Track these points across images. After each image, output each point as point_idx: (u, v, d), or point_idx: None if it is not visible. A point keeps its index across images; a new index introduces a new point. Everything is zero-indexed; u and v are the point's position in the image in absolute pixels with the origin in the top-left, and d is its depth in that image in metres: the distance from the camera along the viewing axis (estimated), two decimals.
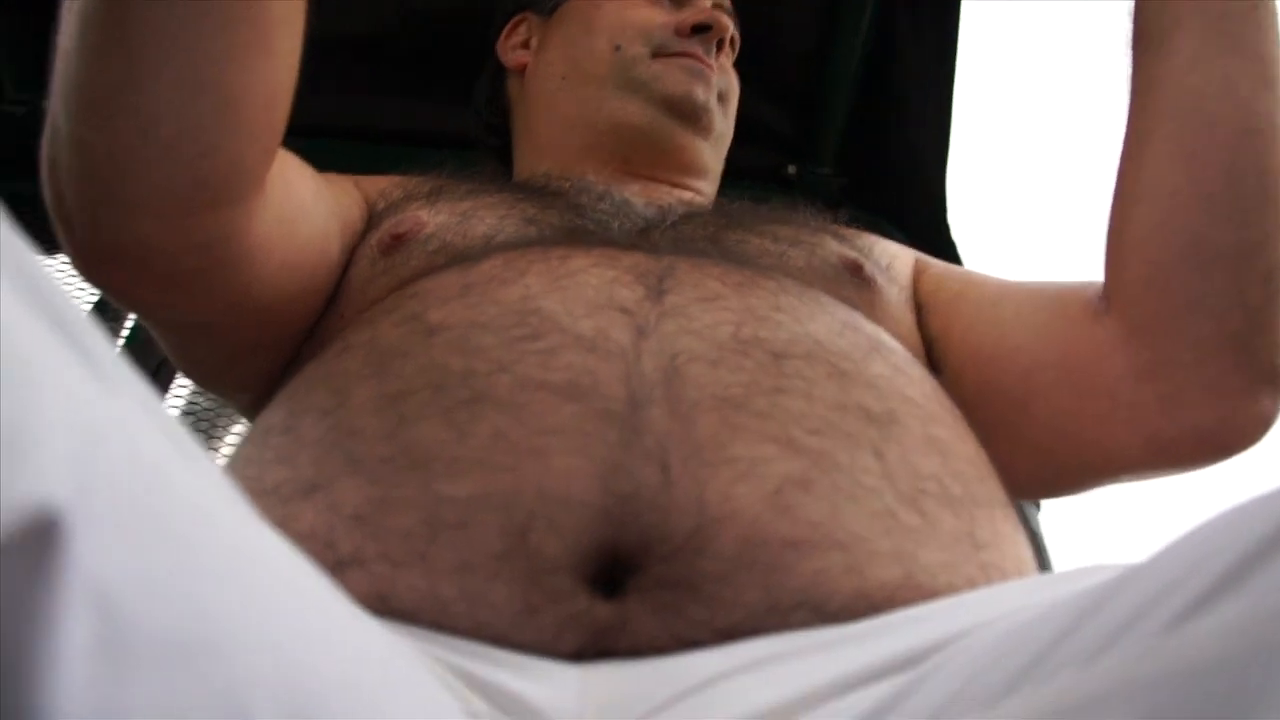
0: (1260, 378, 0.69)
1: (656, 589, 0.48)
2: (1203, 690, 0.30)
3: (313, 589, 0.36)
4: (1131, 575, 0.36)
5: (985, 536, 0.56)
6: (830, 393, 0.57)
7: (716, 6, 0.98)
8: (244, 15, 0.59)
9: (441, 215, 0.76)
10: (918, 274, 0.86)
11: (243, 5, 0.58)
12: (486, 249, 0.71)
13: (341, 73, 1.27)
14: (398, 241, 0.74)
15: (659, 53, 0.92)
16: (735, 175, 1.37)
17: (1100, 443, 0.73)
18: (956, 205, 1.35)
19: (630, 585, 0.48)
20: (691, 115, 0.91)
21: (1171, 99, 0.71)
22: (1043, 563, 1.09)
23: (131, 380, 0.33)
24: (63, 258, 0.78)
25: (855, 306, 0.72)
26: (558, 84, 0.95)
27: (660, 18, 0.94)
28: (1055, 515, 1.16)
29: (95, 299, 1.17)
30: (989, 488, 0.60)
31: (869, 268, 0.78)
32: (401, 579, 0.48)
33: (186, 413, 1.12)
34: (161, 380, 1.11)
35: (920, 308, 0.83)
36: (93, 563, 0.26)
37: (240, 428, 1.08)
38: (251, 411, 0.80)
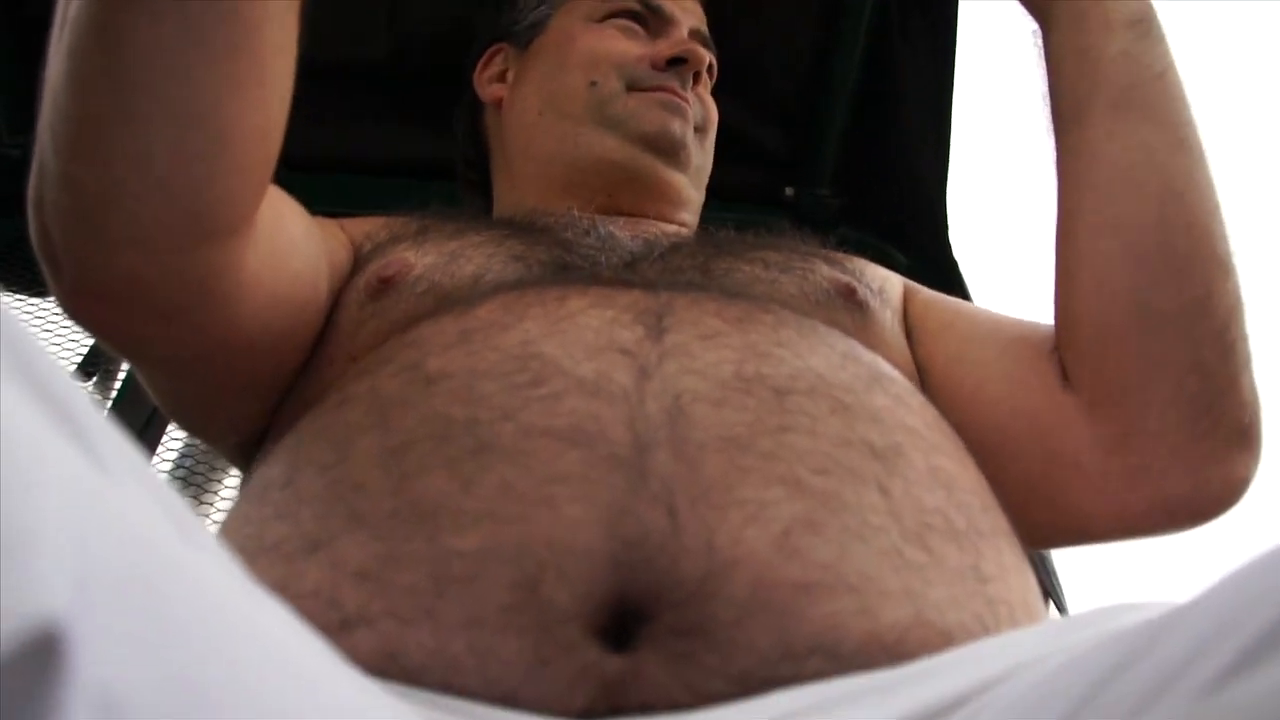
0: (1230, 440, 0.69)
1: (668, 637, 0.47)
2: None
3: (321, 669, 0.35)
4: (1166, 627, 0.35)
5: (990, 569, 0.56)
6: (834, 428, 0.57)
7: (693, 34, 0.98)
8: (238, 45, 0.57)
9: (429, 256, 0.75)
10: (907, 299, 0.86)
11: (236, 35, 0.57)
12: (476, 288, 0.70)
13: (333, 102, 1.26)
14: (385, 285, 0.73)
15: (634, 86, 0.92)
16: (732, 197, 1.38)
17: (1071, 510, 0.73)
18: (958, 225, 1.34)
19: (642, 635, 0.48)
20: (669, 151, 0.91)
21: (1094, 170, 0.73)
22: (1051, 586, 1.08)
23: (131, 459, 0.33)
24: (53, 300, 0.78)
25: (850, 332, 0.72)
26: (535, 119, 0.95)
27: (636, 50, 0.94)
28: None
29: (85, 350, 1.17)
30: (992, 518, 0.60)
31: (862, 291, 0.78)
32: (410, 636, 0.47)
33: (179, 465, 1.11)
34: (152, 433, 1.09)
35: (908, 333, 0.82)
36: (95, 672, 0.25)
37: (232, 480, 1.07)
38: (239, 457, 0.80)
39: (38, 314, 1.21)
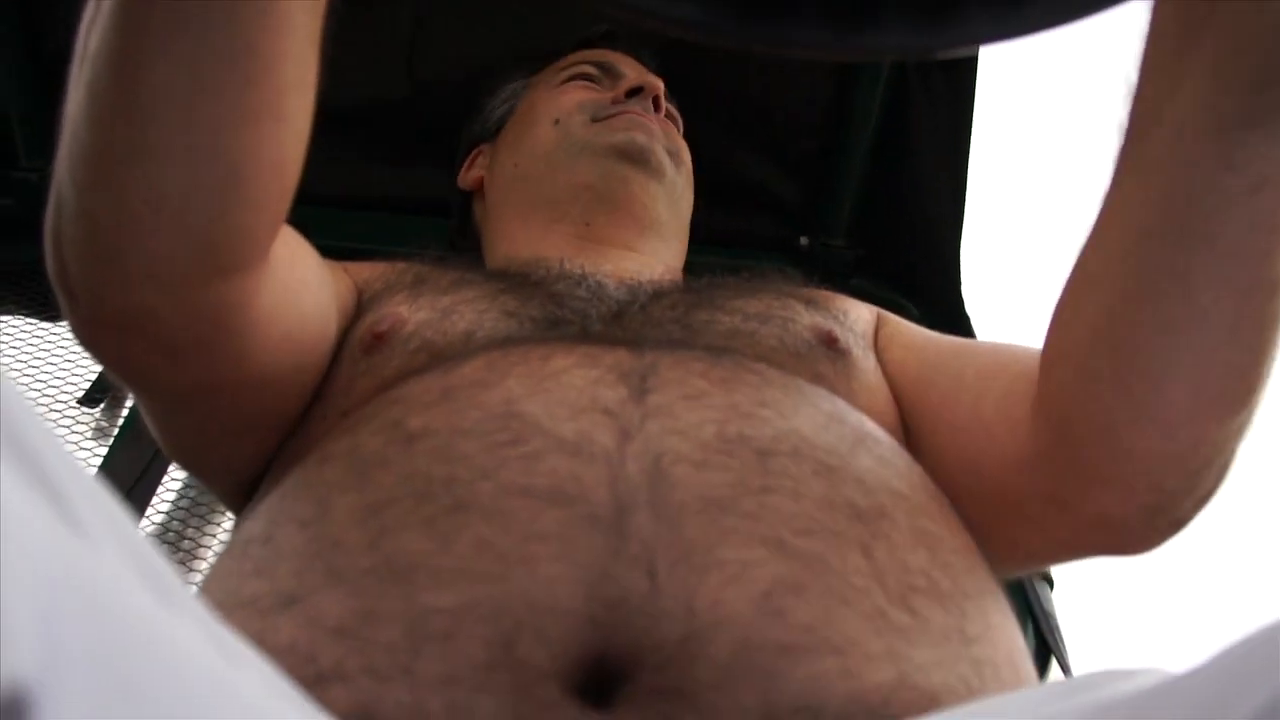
0: (1173, 529, 0.65)
1: (649, 698, 0.47)
2: None
3: None
4: (1160, 698, 0.34)
5: (975, 630, 0.55)
6: (818, 490, 0.57)
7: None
8: (257, 79, 0.57)
9: (422, 312, 0.75)
10: (878, 326, 0.86)
11: (253, 69, 0.57)
12: (467, 346, 0.70)
13: (349, 142, 1.28)
14: (379, 341, 0.73)
15: (598, 118, 0.95)
16: (746, 245, 1.38)
17: (1008, 540, 0.70)
18: (971, 278, 1.34)
19: (621, 695, 0.47)
20: (639, 157, 0.93)
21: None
22: (1054, 641, 1.07)
23: (111, 518, 0.32)
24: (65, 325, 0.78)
25: (833, 381, 0.72)
26: (512, 175, 0.99)
27: (596, 95, 0.98)
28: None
29: (89, 385, 1.18)
30: (977, 578, 0.60)
31: (843, 338, 0.78)
32: (386, 693, 0.47)
33: (182, 495, 1.11)
34: (152, 474, 1.10)
35: (880, 353, 0.82)
36: None
37: (227, 523, 1.08)
38: (232, 499, 0.79)
39: (48, 339, 1.22)
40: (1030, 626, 1.08)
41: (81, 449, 1.13)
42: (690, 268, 0.98)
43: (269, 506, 0.61)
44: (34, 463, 0.30)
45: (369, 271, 0.84)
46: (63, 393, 1.17)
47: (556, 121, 0.96)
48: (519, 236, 0.95)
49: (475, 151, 1.08)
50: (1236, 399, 0.59)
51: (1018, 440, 0.67)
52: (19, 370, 1.18)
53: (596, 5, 0.44)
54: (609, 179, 0.92)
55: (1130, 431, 0.60)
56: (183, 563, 1.05)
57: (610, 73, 1.02)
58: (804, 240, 1.42)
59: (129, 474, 1.07)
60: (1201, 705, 0.32)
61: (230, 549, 0.61)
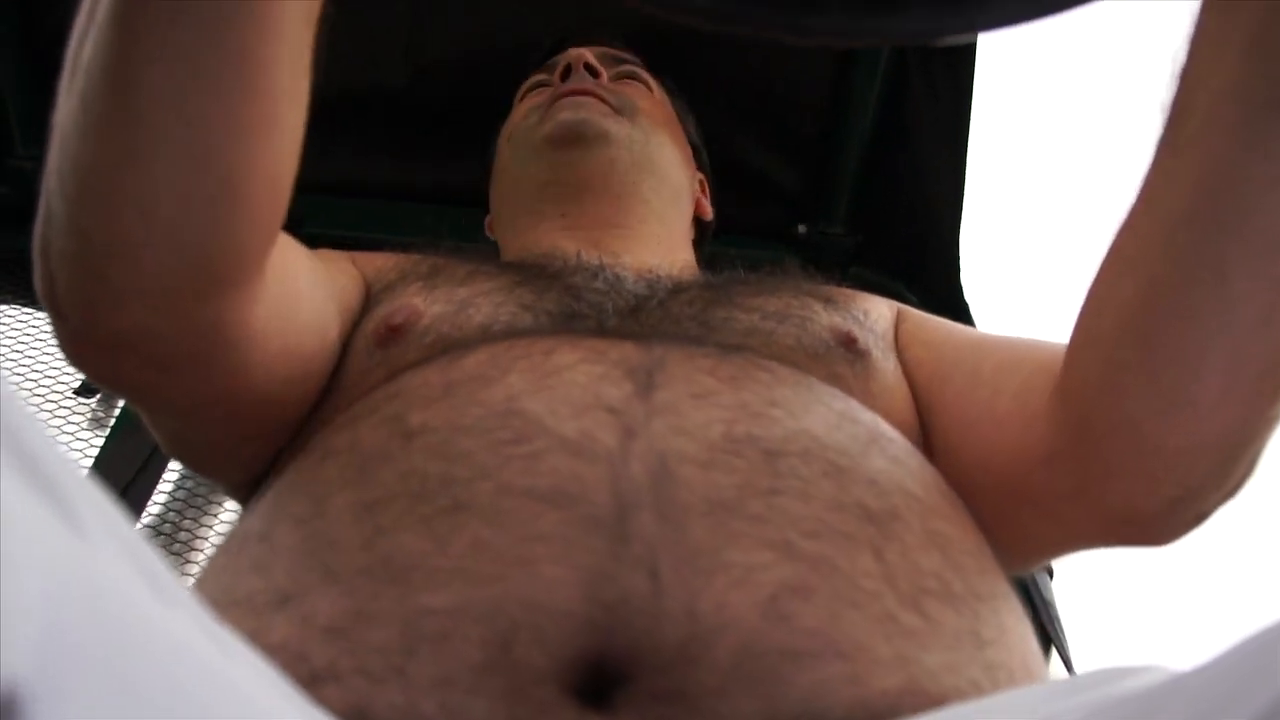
0: (1193, 524, 0.65)
1: (648, 701, 0.46)
2: None
3: None
4: (1166, 695, 0.34)
5: (989, 633, 0.55)
6: (827, 492, 0.56)
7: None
8: (247, 86, 0.55)
9: (438, 305, 0.74)
10: (898, 323, 0.84)
11: (247, 74, 0.55)
12: (482, 342, 0.69)
13: (350, 129, 1.27)
14: (394, 334, 0.72)
15: (538, 115, 0.96)
16: (744, 233, 1.38)
17: (1021, 532, 0.69)
18: (970, 266, 1.33)
19: (621, 697, 0.46)
20: (571, 136, 0.92)
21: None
22: (1056, 636, 1.07)
23: (108, 517, 0.32)
24: None
25: (850, 384, 0.70)
26: (498, 201, 1.01)
27: (540, 98, 0.99)
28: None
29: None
30: (991, 580, 0.59)
31: (862, 339, 0.76)
32: (379, 695, 0.46)
33: (179, 486, 1.10)
34: (152, 468, 1.09)
35: (900, 351, 0.81)
36: None
37: (225, 515, 1.07)
38: (237, 492, 0.79)
39: (44, 328, 1.21)
40: (1030, 616, 1.08)
41: (78, 439, 1.12)
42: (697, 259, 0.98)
43: (268, 502, 0.61)
44: (32, 463, 0.30)
45: (381, 261, 0.83)
46: (59, 383, 1.17)
47: (510, 138, 0.99)
48: (516, 248, 0.95)
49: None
50: (1266, 391, 0.58)
51: (1036, 434, 0.66)
52: (15, 360, 1.18)
53: None
54: (557, 169, 0.93)
55: (1157, 423, 0.59)
56: (180, 554, 1.05)
57: (554, 66, 1.01)
58: (802, 228, 1.41)
59: (128, 466, 1.07)
60: (1206, 704, 0.32)
61: (228, 544, 0.61)
